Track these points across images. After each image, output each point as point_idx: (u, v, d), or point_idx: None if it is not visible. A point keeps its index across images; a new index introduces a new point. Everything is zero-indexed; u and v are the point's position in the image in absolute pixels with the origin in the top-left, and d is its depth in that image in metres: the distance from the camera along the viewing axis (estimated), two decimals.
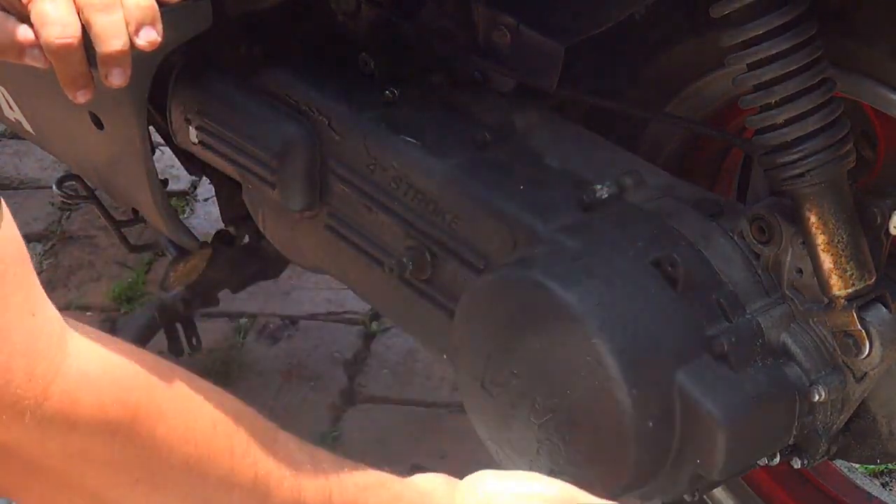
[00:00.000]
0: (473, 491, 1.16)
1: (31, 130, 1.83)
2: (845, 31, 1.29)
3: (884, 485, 2.02)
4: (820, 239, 1.27)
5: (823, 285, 1.28)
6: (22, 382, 0.89)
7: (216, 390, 1.03)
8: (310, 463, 1.07)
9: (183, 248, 1.89)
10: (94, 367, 0.95)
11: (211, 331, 2.26)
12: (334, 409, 2.15)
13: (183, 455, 0.99)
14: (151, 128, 1.66)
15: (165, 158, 1.89)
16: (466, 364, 1.36)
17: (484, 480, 1.17)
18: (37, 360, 0.91)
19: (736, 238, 1.33)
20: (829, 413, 1.31)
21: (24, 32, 1.06)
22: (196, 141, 1.64)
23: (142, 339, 2.06)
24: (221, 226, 1.93)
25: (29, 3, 1.05)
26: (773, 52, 1.24)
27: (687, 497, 1.35)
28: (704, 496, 1.55)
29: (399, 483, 1.13)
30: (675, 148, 1.54)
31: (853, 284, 1.27)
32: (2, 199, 0.90)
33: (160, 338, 2.08)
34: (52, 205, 2.62)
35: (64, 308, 2.41)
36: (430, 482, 1.16)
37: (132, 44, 1.05)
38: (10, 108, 1.83)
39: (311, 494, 1.07)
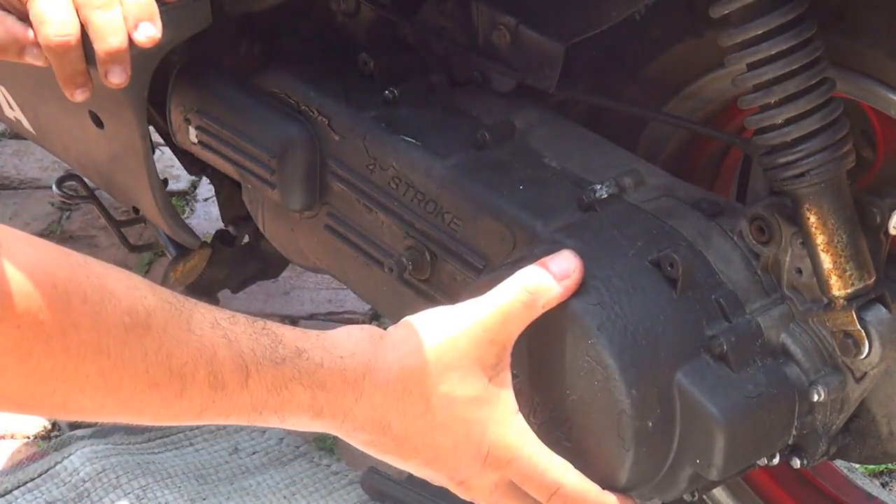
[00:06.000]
0: (398, 345, 1.18)
1: (31, 129, 1.83)
2: (845, 31, 1.29)
3: (884, 485, 2.01)
4: (819, 239, 1.27)
5: (823, 285, 1.28)
6: None
7: (127, 279, 1.05)
8: (225, 345, 1.08)
9: (183, 247, 1.89)
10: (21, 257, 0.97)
11: None
12: None
13: (97, 367, 1.00)
14: (151, 128, 1.66)
15: (165, 158, 1.88)
16: None
17: (411, 333, 1.20)
18: None
19: (735, 238, 1.32)
20: (828, 413, 1.31)
21: (23, 31, 1.07)
22: (196, 141, 1.64)
23: None
24: (221, 226, 1.93)
25: (28, 1, 1.05)
26: (773, 52, 1.24)
27: (687, 497, 1.35)
28: (704, 496, 1.55)
29: (320, 349, 1.14)
30: (675, 148, 1.54)
31: (853, 284, 1.27)
32: None
33: None
34: (52, 205, 2.62)
35: None
36: (351, 339, 1.17)
37: (131, 40, 1.05)
38: (11, 107, 1.83)
39: (229, 376, 1.08)
